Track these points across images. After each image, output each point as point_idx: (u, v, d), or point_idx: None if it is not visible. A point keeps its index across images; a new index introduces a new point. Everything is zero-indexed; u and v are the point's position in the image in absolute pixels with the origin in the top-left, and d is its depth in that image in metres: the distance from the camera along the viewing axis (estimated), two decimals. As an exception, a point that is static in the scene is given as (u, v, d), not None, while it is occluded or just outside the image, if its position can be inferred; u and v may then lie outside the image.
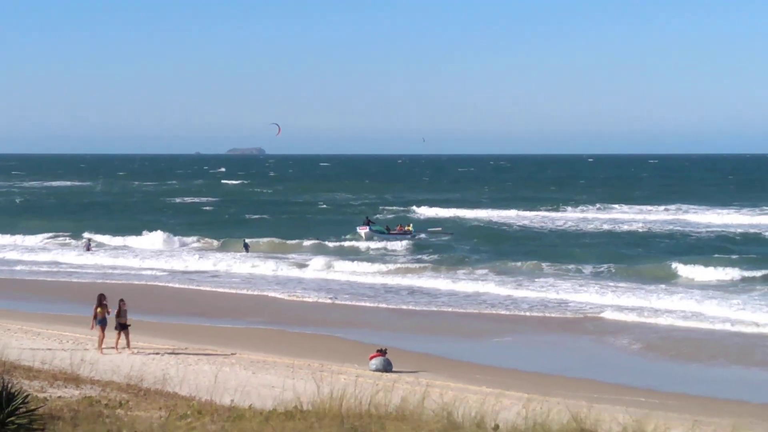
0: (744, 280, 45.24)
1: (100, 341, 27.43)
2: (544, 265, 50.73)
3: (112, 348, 27.39)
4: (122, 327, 27.73)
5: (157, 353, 27.20)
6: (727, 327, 34.23)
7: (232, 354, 27.68)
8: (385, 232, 67.33)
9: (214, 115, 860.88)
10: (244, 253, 59.29)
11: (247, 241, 61.69)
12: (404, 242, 61.51)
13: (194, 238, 64.90)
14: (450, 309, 39.18)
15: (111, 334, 27.80)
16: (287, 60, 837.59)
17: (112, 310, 27.99)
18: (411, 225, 72.04)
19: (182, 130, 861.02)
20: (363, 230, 66.93)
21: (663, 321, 35.53)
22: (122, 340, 27.84)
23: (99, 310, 27.85)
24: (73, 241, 65.51)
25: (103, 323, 27.69)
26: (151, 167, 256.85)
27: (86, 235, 63.66)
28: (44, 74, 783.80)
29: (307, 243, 62.69)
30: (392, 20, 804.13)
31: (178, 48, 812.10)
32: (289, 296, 43.07)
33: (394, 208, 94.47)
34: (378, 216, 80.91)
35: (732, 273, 46.32)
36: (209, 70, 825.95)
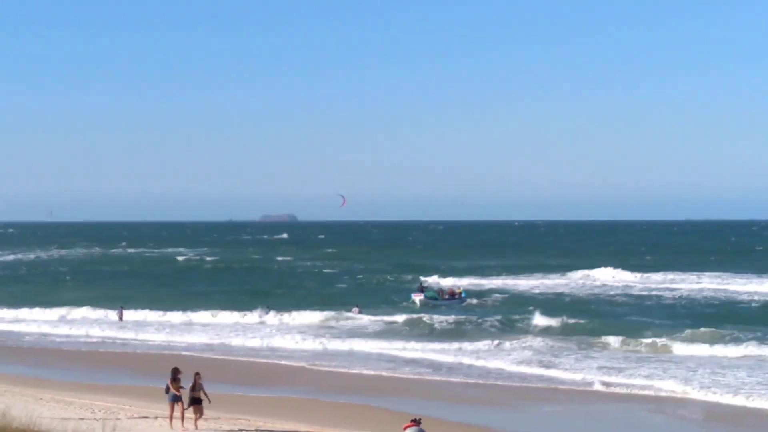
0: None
1: (172, 417, 26.28)
2: (588, 337, 49.54)
3: (177, 419, 26.35)
4: (196, 402, 26.28)
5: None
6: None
7: None
8: (439, 297, 67.96)
9: (246, 182, 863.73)
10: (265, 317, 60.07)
11: (267, 308, 62.16)
12: (452, 314, 59.97)
13: (237, 312, 62.69)
14: (489, 381, 38.44)
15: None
16: (319, 125, 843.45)
17: (186, 386, 26.56)
18: (461, 289, 72.23)
19: (215, 196, 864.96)
20: (418, 297, 67.60)
21: (691, 394, 34.55)
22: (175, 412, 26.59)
23: (173, 385, 26.45)
24: (105, 311, 65.19)
25: (176, 399, 26.34)
26: (183, 234, 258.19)
27: (118, 313, 63.22)
28: (66, 140, 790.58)
29: (345, 314, 61.13)
30: (428, 80, 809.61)
31: (209, 112, 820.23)
32: (324, 366, 42.75)
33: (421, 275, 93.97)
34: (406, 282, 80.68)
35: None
36: (240, 134, 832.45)
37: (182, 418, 26.12)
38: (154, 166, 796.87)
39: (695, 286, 79.70)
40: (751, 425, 30.02)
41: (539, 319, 54.59)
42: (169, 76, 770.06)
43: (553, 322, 54.34)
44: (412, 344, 48.26)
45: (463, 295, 70.98)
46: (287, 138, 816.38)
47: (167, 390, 26.51)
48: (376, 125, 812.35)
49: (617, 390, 35.53)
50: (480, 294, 74.03)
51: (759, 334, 48.43)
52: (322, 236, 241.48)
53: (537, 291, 78.50)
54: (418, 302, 67.27)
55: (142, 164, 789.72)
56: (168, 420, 26.36)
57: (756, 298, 69.95)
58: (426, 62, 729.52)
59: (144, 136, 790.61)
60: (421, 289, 69.44)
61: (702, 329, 49.78)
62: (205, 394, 26.35)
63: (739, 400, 32.97)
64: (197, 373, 26.87)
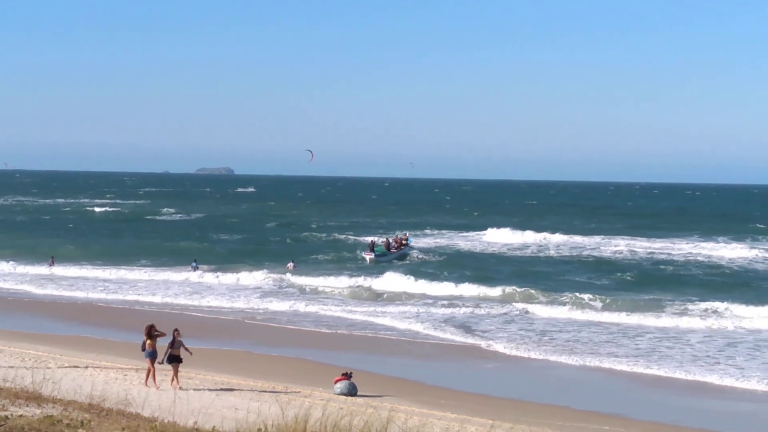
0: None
1: (149, 374, 25.56)
2: (531, 291, 50.73)
3: (146, 382, 25.52)
4: (176, 359, 25.78)
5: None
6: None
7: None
8: (388, 252, 69.81)
9: (182, 134, 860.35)
10: (192, 272, 58.95)
11: (195, 263, 61.18)
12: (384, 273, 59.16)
13: (166, 269, 61.72)
14: (417, 337, 38.83)
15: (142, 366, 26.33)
16: (256, 78, 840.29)
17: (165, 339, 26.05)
18: (407, 235, 73.38)
19: (150, 148, 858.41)
20: (369, 255, 69.03)
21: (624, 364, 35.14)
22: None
23: (149, 341, 25.82)
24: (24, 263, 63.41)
25: (153, 356, 25.72)
26: (120, 185, 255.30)
27: (49, 263, 62.09)
28: (20, 92, 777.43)
29: (278, 275, 58.52)
30: (374, 39, 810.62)
31: (145, 64, 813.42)
32: (256, 321, 42.86)
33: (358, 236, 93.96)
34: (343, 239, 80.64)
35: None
36: (177, 88, 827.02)
37: (154, 376, 25.51)
38: (90, 118, 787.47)
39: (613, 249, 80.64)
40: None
41: (466, 286, 54.20)
42: (106, 26, 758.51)
43: (475, 285, 54.28)
44: (347, 301, 48.55)
45: (409, 240, 73.00)
46: (225, 90, 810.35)
47: (143, 347, 25.92)
48: (317, 81, 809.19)
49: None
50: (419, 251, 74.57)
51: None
52: (252, 190, 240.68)
53: (473, 249, 79.02)
54: (368, 260, 68.51)
55: (80, 116, 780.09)
56: (145, 378, 25.65)
57: (677, 258, 71.83)
58: (376, 18, 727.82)
59: (83, 89, 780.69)
60: (372, 247, 70.53)
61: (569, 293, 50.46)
62: (186, 348, 25.93)
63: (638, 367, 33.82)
64: (176, 330, 26.34)
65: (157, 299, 49.12)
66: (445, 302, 48.31)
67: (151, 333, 26.03)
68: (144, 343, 26.00)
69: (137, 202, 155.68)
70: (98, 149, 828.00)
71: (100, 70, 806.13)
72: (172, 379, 25.79)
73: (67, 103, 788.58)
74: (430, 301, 48.89)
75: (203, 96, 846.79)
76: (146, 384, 25.30)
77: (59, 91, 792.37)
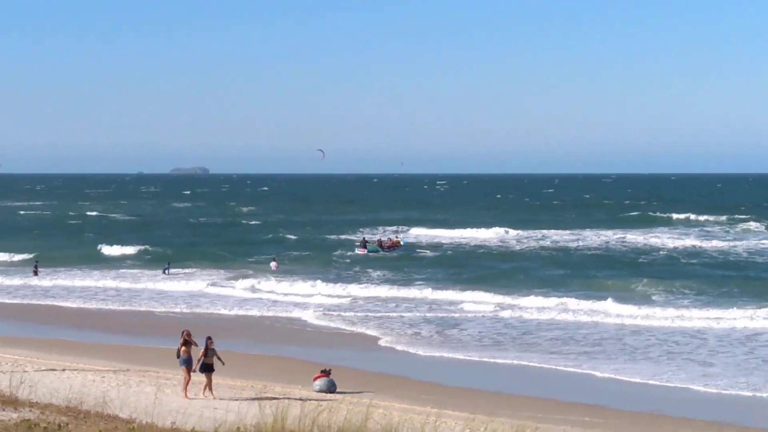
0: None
1: (186, 384, 24.89)
2: (517, 295, 48.30)
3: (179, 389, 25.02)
4: (208, 368, 25.11)
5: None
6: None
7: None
8: (380, 250, 70.94)
9: (156, 134, 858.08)
10: (163, 276, 57.89)
11: (168, 264, 59.95)
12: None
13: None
14: (398, 336, 38.62)
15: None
16: (231, 77, 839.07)
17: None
18: (400, 237, 73.70)
19: (124, 149, 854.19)
20: (362, 251, 70.35)
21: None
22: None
23: (183, 348, 25.18)
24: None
25: (188, 363, 24.99)
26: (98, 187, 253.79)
27: (33, 268, 60.24)
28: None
29: (260, 280, 55.50)
30: (356, 34, 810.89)
31: (118, 65, 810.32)
32: (234, 320, 42.73)
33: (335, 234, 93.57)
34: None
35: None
36: (150, 87, 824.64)
37: (186, 384, 24.90)
38: (64, 119, 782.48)
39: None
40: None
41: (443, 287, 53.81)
42: (73, 26, 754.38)
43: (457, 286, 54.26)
44: (327, 303, 47.33)
45: (402, 242, 73.44)
46: (200, 88, 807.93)
47: (178, 354, 25.33)
48: (296, 78, 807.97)
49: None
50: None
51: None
52: (266, 189, 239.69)
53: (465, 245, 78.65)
54: (361, 256, 68.96)
55: (53, 118, 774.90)
56: (183, 388, 24.93)
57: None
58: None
59: (55, 88, 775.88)
60: (364, 243, 71.24)
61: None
62: (218, 357, 25.24)
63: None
64: (209, 338, 25.66)
65: (131, 307, 47.07)
66: (425, 305, 46.62)
67: (187, 340, 25.31)
68: (179, 350, 25.36)
69: (118, 202, 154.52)
70: (71, 151, 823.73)
71: (72, 70, 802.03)
72: (205, 388, 24.98)
73: (38, 105, 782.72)
74: (411, 304, 46.80)
75: (176, 94, 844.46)
76: (186, 395, 24.44)
77: (29, 91, 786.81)
